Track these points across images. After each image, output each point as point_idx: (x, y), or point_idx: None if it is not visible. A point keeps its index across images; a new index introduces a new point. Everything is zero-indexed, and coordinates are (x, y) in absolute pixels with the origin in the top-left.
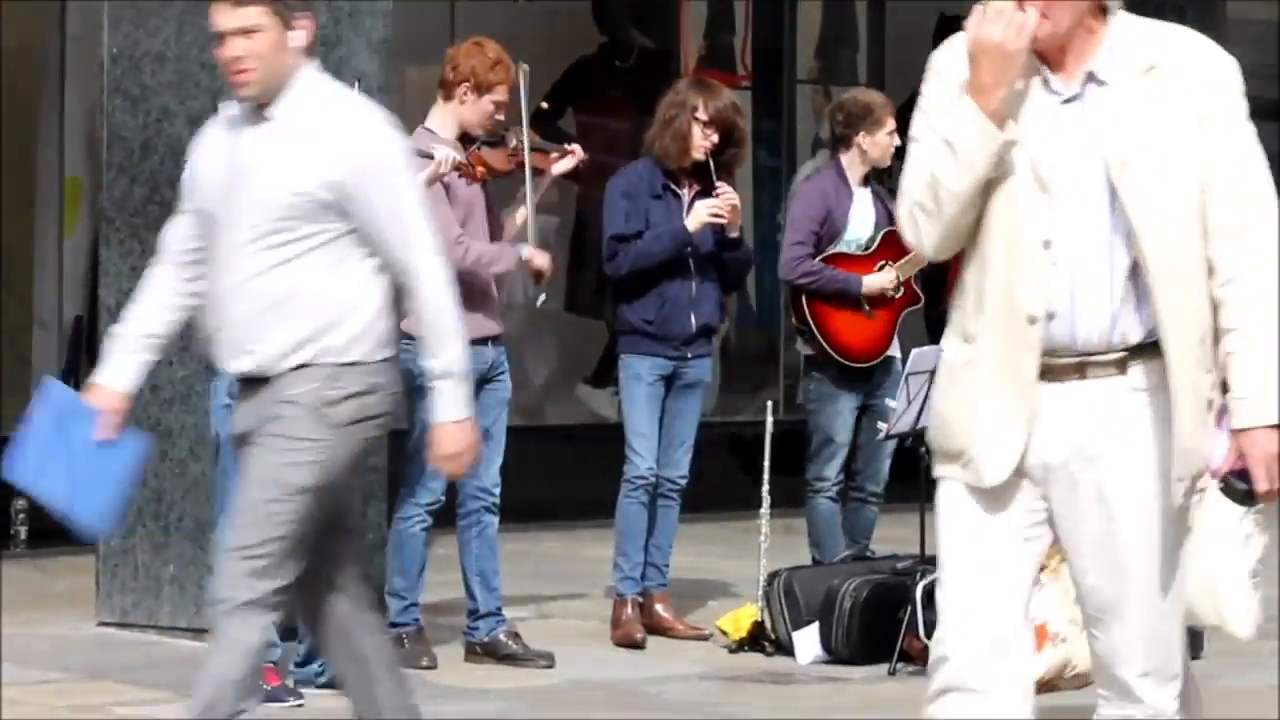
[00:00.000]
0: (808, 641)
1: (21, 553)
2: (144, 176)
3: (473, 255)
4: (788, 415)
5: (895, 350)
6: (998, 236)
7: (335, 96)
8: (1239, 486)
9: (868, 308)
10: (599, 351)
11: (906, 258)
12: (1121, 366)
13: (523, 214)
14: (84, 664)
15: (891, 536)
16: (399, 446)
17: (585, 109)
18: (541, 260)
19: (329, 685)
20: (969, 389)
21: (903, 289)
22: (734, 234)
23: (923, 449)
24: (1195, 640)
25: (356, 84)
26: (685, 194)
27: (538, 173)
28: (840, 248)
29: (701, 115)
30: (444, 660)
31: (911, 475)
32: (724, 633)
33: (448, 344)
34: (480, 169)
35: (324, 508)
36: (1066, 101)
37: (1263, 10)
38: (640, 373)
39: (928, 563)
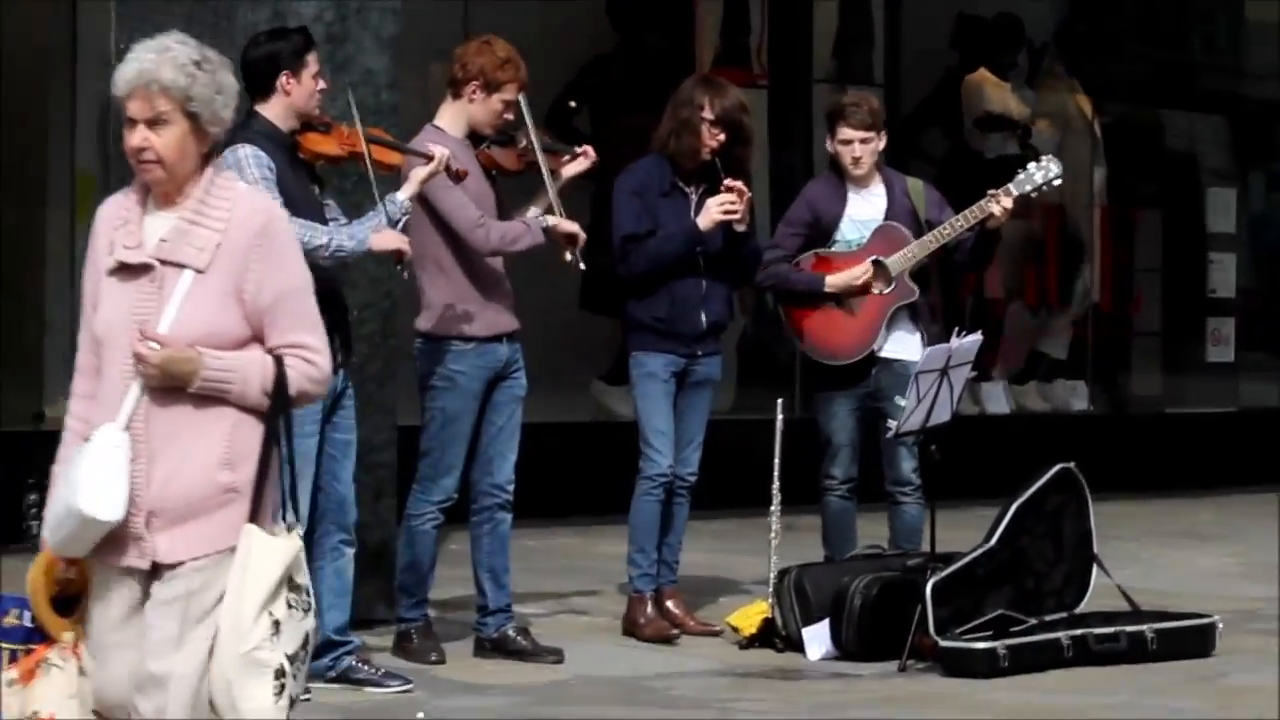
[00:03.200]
0: (818, 638)
1: (33, 548)
2: None
3: (495, 235)
4: (806, 413)
5: (900, 349)
6: None
7: None
8: None
9: (852, 304)
10: (613, 348)
11: (899, 253)
12: None
13: (545, 202)
14: None
15: None
16: (411, 443)
17: (600, 108)
18: (570, 225)
19: (338, 680)
20: None
21: (895, 284)
22: (742, 228)
23: (932, 447)
24: (1206, 637)
25: (350, 90)
26: (692, 193)
27: (552, 173)
28: (836, 248)
29: (708, 114)
30: (453, 656)
31: (923, 474)
32: (734, 629)
33: None
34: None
35: None
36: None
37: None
38: (655, 370)
39: (938, 560)
